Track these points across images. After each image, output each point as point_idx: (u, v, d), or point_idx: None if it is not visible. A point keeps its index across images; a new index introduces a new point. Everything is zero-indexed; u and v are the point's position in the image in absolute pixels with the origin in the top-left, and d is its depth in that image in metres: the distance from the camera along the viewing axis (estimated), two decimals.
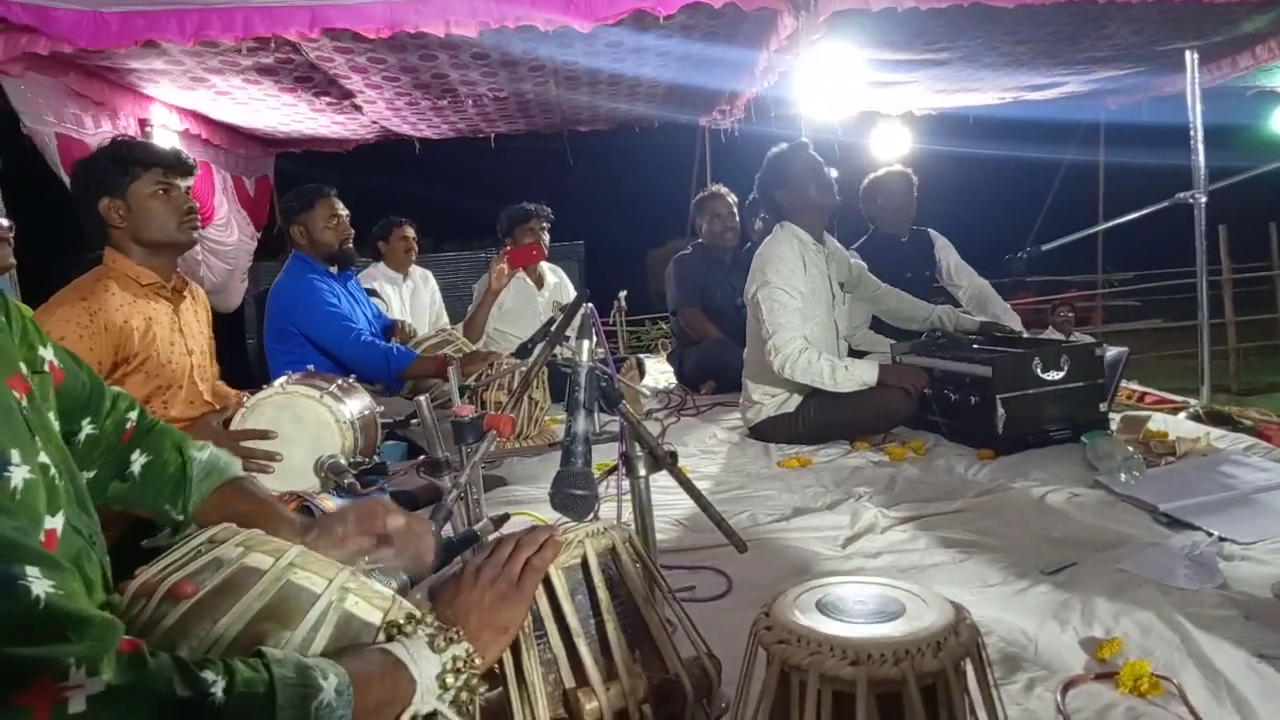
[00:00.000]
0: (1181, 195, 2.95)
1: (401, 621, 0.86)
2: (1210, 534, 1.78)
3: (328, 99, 4.56)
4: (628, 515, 1.41)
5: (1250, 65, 6.30)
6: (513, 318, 4.19)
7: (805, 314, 2.92)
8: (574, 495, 1.13)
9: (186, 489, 1.15)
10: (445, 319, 4.82)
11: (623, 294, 5.68)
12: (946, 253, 3.88)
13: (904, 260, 3.87)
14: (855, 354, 3.27)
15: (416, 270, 5.04)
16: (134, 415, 1.20)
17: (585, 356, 1.24)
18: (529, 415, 3.11)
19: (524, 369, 2.77)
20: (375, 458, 2.09)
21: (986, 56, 5.48)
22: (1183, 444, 2.40)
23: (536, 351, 3.14)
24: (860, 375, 2.82)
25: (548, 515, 2.05)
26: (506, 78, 5.33)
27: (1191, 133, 3.01)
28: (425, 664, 0.81)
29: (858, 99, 6.24)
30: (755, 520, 2.12)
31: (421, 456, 2.13)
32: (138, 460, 1.16)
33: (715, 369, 4.02)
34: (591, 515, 1.18)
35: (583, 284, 4.67)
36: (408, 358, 3.05)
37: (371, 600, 0.87)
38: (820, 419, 2.91)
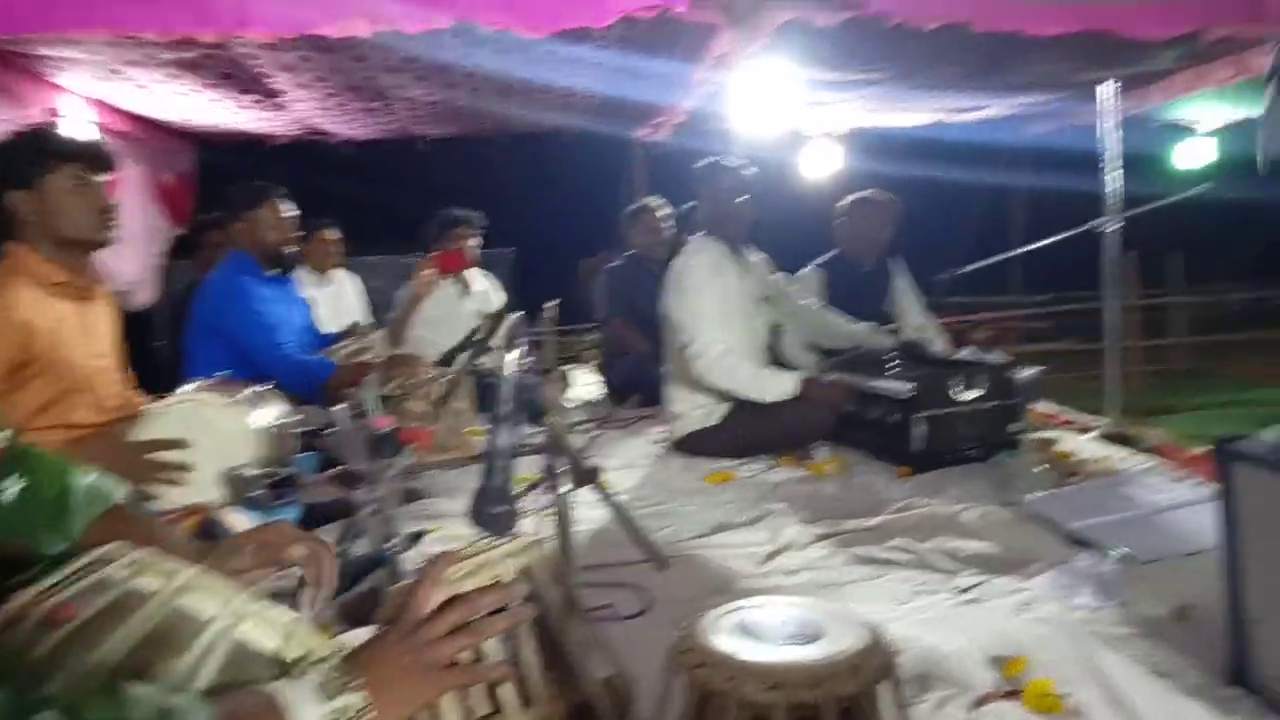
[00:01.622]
0: (1094, 223, 3.07)
1: (293, 658, 0.80)
2: (1113, 553, 1.85)
3: (253, 96, 4.43)
4: (549, 530, 1.38)
5: (1160, 99, 6.62)
6: (436, 325, 4.10)
7: (723, 323, 2.95)
8: (494, 512, 1.11)
9: (68, 516, 1.06)
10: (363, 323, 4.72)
11: (552, 304, 5.63)
12: (904, 292, 3.86)
13: (861, 289, 3.82)
14: (784, 367, 3.30)
15: (341, 274, 4.92)
16: (5, 436, 1.11)
17: (510, 370, 1.22)
18: (451, 426, 3.05)
19: (447, 378, 2.72)
20: (288, 469, 2.01)
21: (917, 78, 5.64)
22: (1089, 464, 2.49)
23: (461, 362, 3.10)
24: (780, 386, 2.85)
25: (467, 530, 2.02)
26: (440, 83, 5.27)
27: (1102, 163, 3.14)
28: (306, 710, 0.74)
29: (791, 116, 6.35)
30: (677, 535, 2.12)
31: (337, 468, 2.07)
32: (11, 486, 1.06)
33: (642, 381, 4.01)
34: (511, 531, 1.16)
35: (513, 292, 4.63)
36: (327, 370, 2.97)
37: (268, 628, 0.82)
38: (744, 433, 2.94)
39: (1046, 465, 2.46)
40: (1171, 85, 6.22)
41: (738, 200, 3.07)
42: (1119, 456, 2.66)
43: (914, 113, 6.98)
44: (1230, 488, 1.33)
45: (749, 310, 3.10)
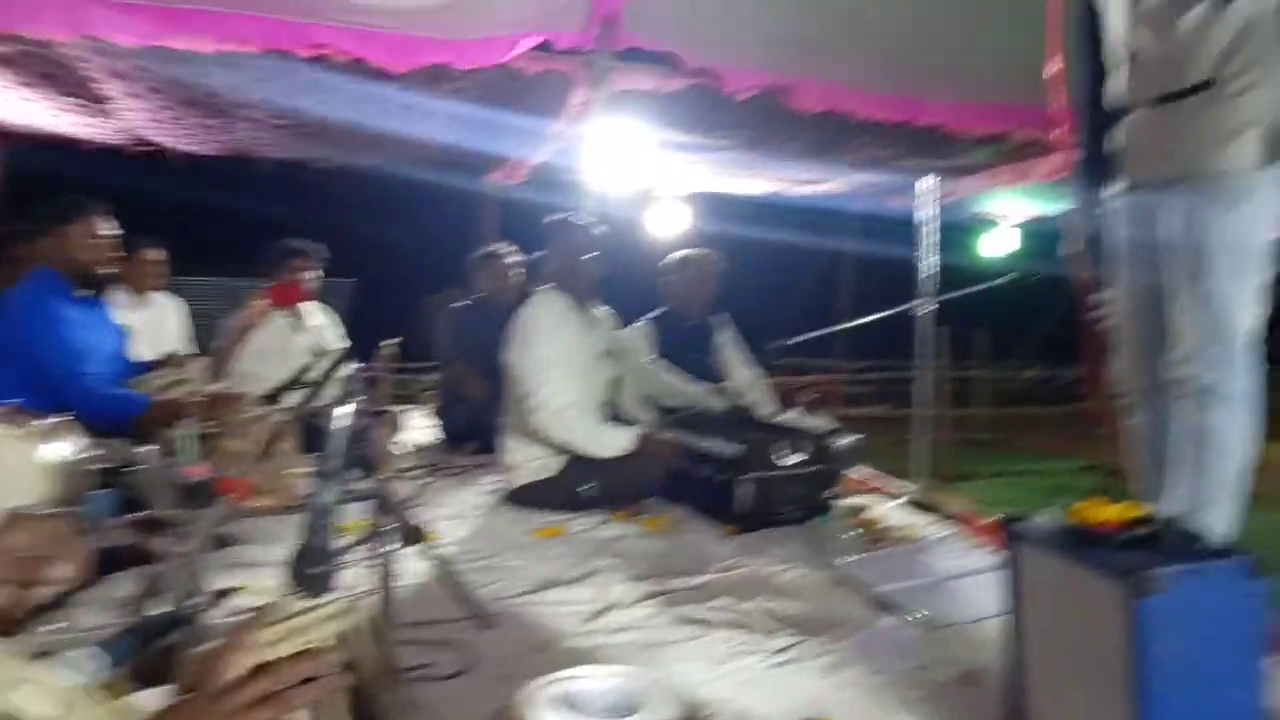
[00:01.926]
0: (909, 305, 3.34)
1: None
2: (913, 617, 1.98)
3: (76, 100, 4.13)
4: (371, 587, 1.34)
5: (973, 190, 7.28)
6: (266, 358, 3.90)
7: (564, 376, 2.98)
8: (312, 572, 1.06)
9: None
10: (183, 350, 4.42)
11: (390, 342, 5.47)
12: (728, 345, 4.04)
13: (688, 343, 3.98)
14: (624, 422, 3.36)
15: (162, 297, 4.61)
16: None
17: (341, 422, 1.18)
18: (273, 468, 2.89)
19: (273, 418, 2.59)
20: (79, 509, 1.85)
21: (759, 148, 5.97)
22: (896, 530, 2.67)
23: (290, 401, 2.96)
24: (617, 441, 2.90)
25: (281, 586, 1.92)
26: (288, 105, 5.09)
27: (921, 250, 3.42)
28: None
29: (642, 175, 6.55)
30: (503, 591, 2.09)
31: (140, 513, 1.92)
32: None
33: (479, 428, 3.95)
34: (330, 592, 1.12)
35: (351, 325, 4.46)
36: (137, 404, 2.75)
37: (45, 696, 0.76)
38: (577, 486, 2.95)
39: (858, 530, 2.61)
40: (984, 180, 6.87)
41: (586, 257, 3.13)
42: (923, 523, 2.86)
43: (757, 181, 7.37)
44: (1015, 562, 1.47)
45: (590, 365, 3.14)
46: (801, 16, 3.99)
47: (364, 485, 1.40)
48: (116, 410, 2.69)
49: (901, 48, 4.26)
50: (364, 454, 1.26)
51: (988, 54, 4.28)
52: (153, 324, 4.36)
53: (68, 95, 3.99)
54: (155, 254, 4.47)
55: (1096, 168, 2.25)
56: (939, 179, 3.65)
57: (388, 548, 1.27)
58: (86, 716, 0.76)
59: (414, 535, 1.26)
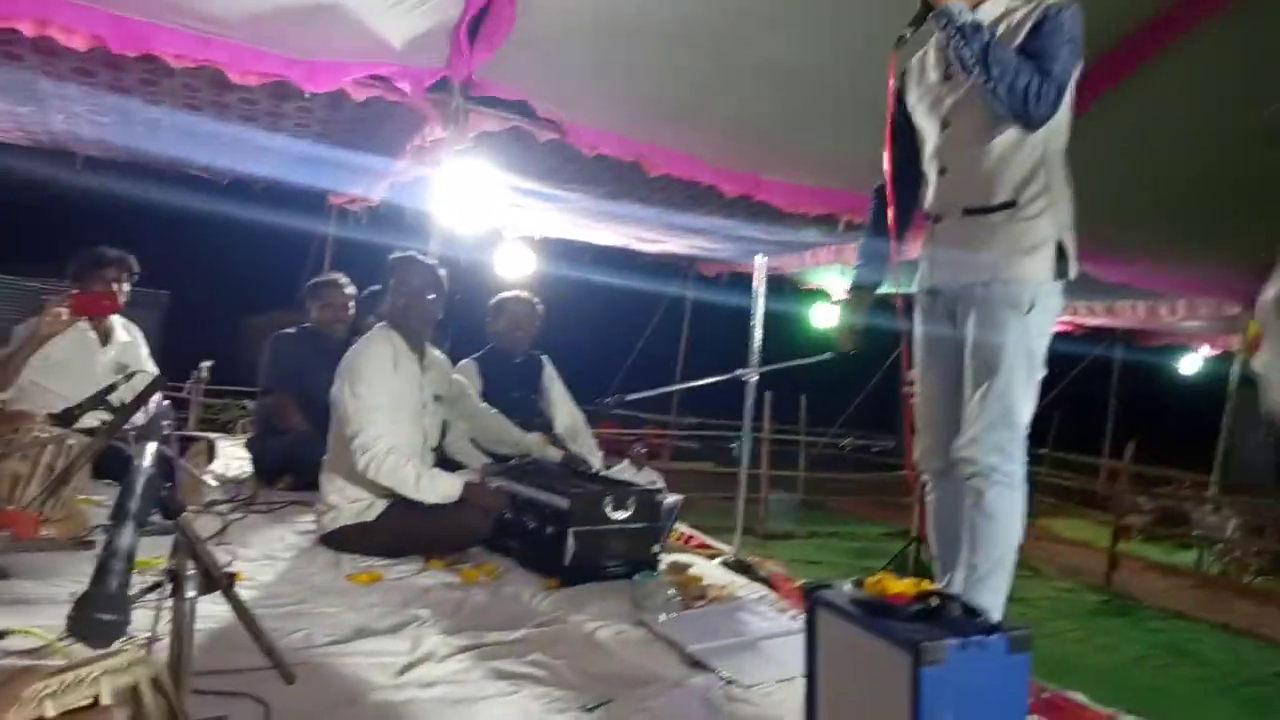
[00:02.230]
0: (738, 372, 3.50)
1: None
2: (721, 677, 2.05)
3: None
4: (163, 635, 1.25)
5: (804, 265, 7.75)
6: (61, 373, 3.57)
7: (392, 418, 2.91)
8: (101, 620, 0.99)
9: None
10: None
11: (206, 364, 5.15)
12: (553, 382, 4.13)
13: (514, 380, 4.05)
14: (452, 465, 3.31)
15: None
16: None
17: (147, 460, 1.12)
18: (57, 494, 2.64)
19: (70, 444, 2.38)
20: None
21: (609, 204, 6.14)
22: (712, 590, 2.75)
23: (86, 423, 2.73)
24: (444, 488, 2.85)
25: (60, 629, 1.76)
26: (114, 103, 4.79)
27: (752, 322, 3.61)
28: None
29: (492, 216, 6.55)
30: (311, 640, 2.00)
31: None
32: None
33: (298, 463, 3.77)
34: (119, 641, 1.04)
35: (164, 339, 4.16)
36: None
37: None
38: (398, 530, 2.87)
39: (678, 588, 2.68)
40: (814, 257, 7.34)
41: (426, 298, 3.08)
42: (739, 583, 2.97)
43: (605, 232, 7.54)
44: (814, 627, 1.56)
45: (420, 408, 3.08)
46: (655, 86, 4.18)
47: (163, 522, 1.31)
48: None
49: (743, 128, 4.53)
50: (168, 494, 1.18)
51: (825, 143, 4.63)
52: None
53: None
54: None
55: (876, 245, 2.52)
56: (767, 258, 3.89)
57: (187, 593, 1.20)
58: None
59: (219, 583, 1.19)
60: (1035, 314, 2.19)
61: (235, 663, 1.74)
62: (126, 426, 3.01)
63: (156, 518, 1.78)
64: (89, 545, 2.26)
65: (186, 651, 1.17)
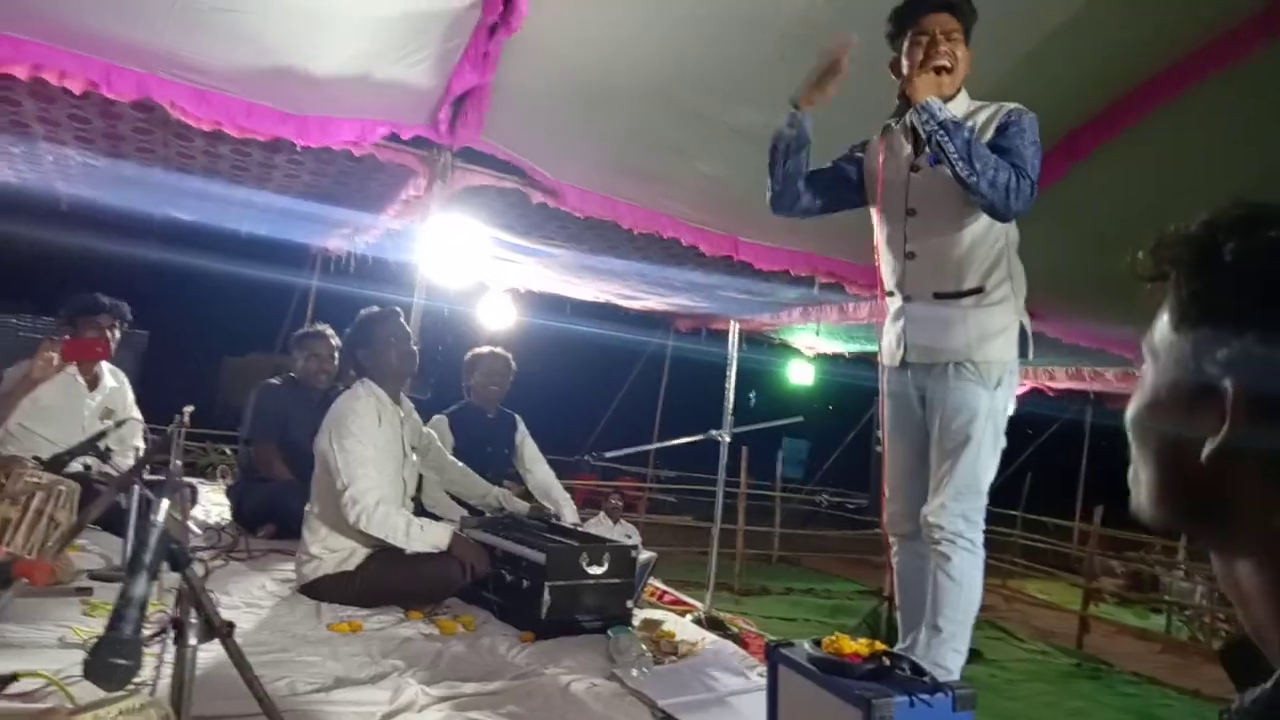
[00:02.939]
0: (711, 433, 3.62)
1: None
2: None
3: None
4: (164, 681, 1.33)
5: (780, 323, 7.92)
6: (49, 417, 3.64)
7: (379, 469, 2.99)
8: (115, 664, 1.07)
9: None
10: None
11: (188, 409, 5.18)
12: (524, 439, 4.23)
13: (487, 435, 4.16)
14: (427, 514, 3.39)
15: None
16: None
17: (162, 516, 1.21)
18: (44, 539, 2.70)
19: (60, 489, 2.44)
20: None
21: (590, 260, 6.29)
22: (684, 645, 2.82)
23: (73, 469, 2.79)
24: (432, 538, 2.92)
25: (64, 662, 1.82)
26: (105, 148, 4.89)
27: (726, 384, 3.73)
28: None
29: (475, 270, 6.69)
30: (293, 689, 2.06)
31: None
32: None
33: (279, 512, 3.82)
34: (130, 682, 1.12)
35: (143, 381, 4.21)
36: None
37: None
38: (378, 581, 2.93)
39: (650, 643, 2.75)
40: (790, 318, 7.51)
41: (401, 351, 3.18)
42: (710, 640, 3.03)
43: (587, 287, 7.69)
44: (775, 681, 1.65)
45: (400, 459, 3.17)
46: (636, 149, 4.35)
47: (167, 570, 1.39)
48: None
49: (722, 190, 4.71)
50: (179, 555, 1.27)
51: None
52: None
53: None
54: None
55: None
56: (745, 315, 4.04)
57: (189, 640, 1.27)
58: None
59: (219, 629, 1.27)
60: (1001, 390, 2.36)
61: (223, 709, 1.80)
62: (114, 473, 3.08)
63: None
64: (80, 591, 2.31)
65: (188, 696, 1.25)
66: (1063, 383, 8.81)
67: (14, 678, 1.19)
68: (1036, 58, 3.38)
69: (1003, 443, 2.41)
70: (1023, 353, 2.39)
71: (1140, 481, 0.67)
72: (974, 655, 2.34)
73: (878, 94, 2.51)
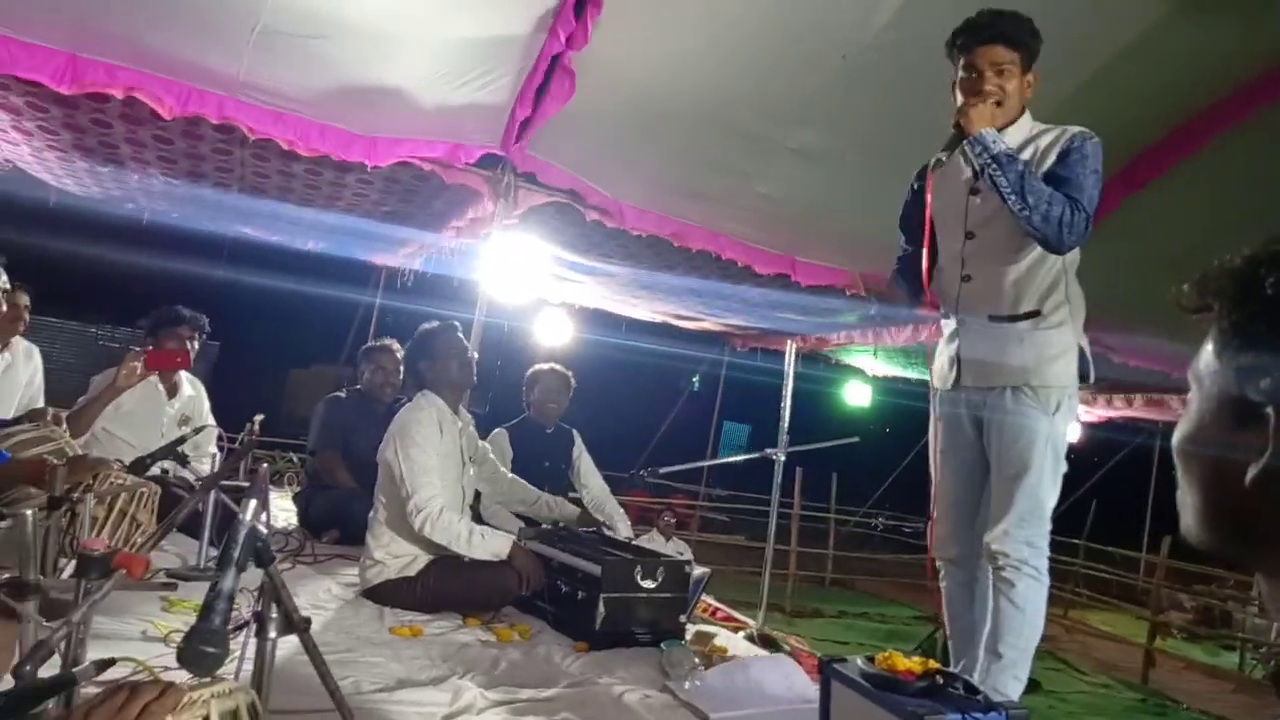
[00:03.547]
0: (768, 451, 3.63)
1: None
2: None
3: None
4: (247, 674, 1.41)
5: (838, 343, 7.88)
6: (131, 423, 3.82)
7: (441, 477, 3.08)
8: (205, 651, 1.15)
9: None
10: (41, 402, 4.24)
11: (258, 419, 5.39)
12: (581, 454, 4.30)
13: (545, 450, 4.24)
14: (483, 524, 3.47)
15: (20, 343, 4.42)
16: None
17: (250, 514, 1.29)
18: (126, 537, 2.84)
19: (142, 491, 2.58)
20: None
21: (648, 279, 6.36)
22: (738, 660, 2.84)
23: (155, 472, 2.93)
24: (493, 546, 3.00)
25: (147, 654, 1.92)
26: (187, 168, 5.12)
27: (783, 403, 3.75)
28: None
29: (534, 287, 6.80)
30: (358, 688, 2.14)
31: (3, 575, 1.89)
32: None
33: (343, 518, 3.96)
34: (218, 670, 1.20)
35: (214, 390, 4.38)
36: None
37: None
38: (438, 587, 3.02)
39: (703, 657, 2.77)
40: (849, 338, 7.47)
41: (461, 363, 3.29)
42: (763, 655, 3.04)
43: (644, 307, 7.76)
44: (828, 696, 1.67)
45: (460, 469, 3.26)
46: (695, 169, 4.40)
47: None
48: None
49: (780, 211, 4.73)
50: (264, 553, 1.35)
51: (858, 226, 4.80)
52: (9, 372, 4.19)
53: None
54: (20, 298, 4.31)
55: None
56: (800, 335, 4.05)
57: (269, 634, 1.35)
58: None
59: (297, 624, 1.35)
60: (1061, 414, 2.33)
61: (295, 704, 1.88)
62: (191, 477, 3.21)
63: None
64: (165, 585, 2.43)
65: (267, 683, 1.33)
66: (1129, 410, 8.58)
67: (112, 662, 1.28)
68: (1102, 79, 3.35)
69: (1064, 468, 2.38)
70: (1083, 376, 2.36)
71: (1187, 505, 0.70)
72: (1033, 685, 2.30)
73: (940, 115, 2.51)
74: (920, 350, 7.31)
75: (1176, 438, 0.70)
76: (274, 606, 1.36)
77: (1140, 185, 3.84)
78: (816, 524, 12.46)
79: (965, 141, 2.27)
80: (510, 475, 3.68)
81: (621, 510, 4.07)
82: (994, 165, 2.19)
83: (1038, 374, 2.33)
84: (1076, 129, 2.32)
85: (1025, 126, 2.38)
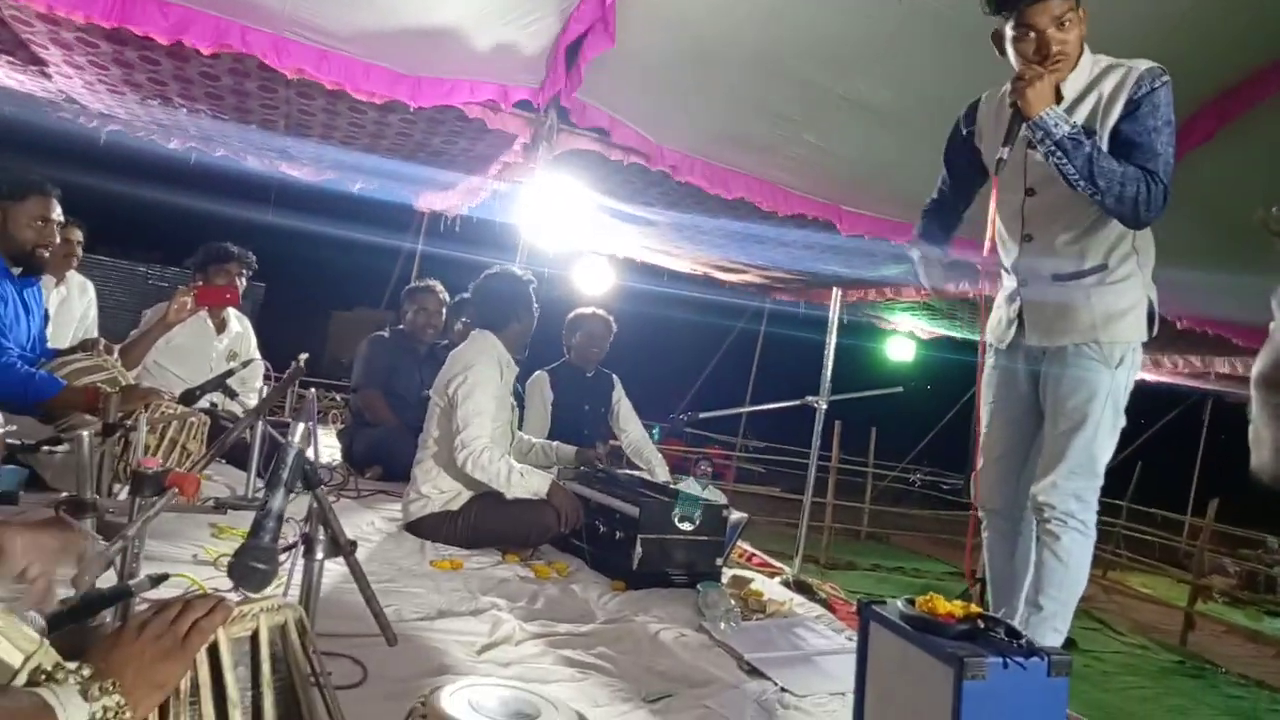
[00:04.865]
0: (809, 399, 3.60)
1: (49, 669, 0.87)
2: (776, 684, 2.16)
3: (9, 58, 4.10)
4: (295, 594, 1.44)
5: (879, 299, 7.77)
6: (180, 356, 3.90)
7: (494, 419, 3.11)
8: (254, 568, 1.17)
9: None
10: (95, 335, 4.35)
11: (303, 356, 5.47)
12: (621, 399, 4.32)
13: (585, 394, 4.26)
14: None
15: (75, 277, 4.52)
16: None
17: (298, 437, 1.31)
18: (178, 465, 2.92)
19: (191, 420, 2.64)
20: None
21: (688, 230, 6.28)
22: (772, 605, 2.86)
23: (204, 403, 2.99)
24: (533, 485, 3.03)
25: (197, 577, 1.99)
26: (234, 104, 5.14)
27: (826, 350, 3.71)
28: (75, 712, 0.84)
29: (574, 234, 6.77)
30: (400, 615, 2.19)
31: (63, 494, 1.95)
32: None
33: (385, 455, 4.03)
34: (265, 590, 1.23)
35: (256, 330, 4.45)
36: (53, 387, 2.75)
37: (16, 641, 0.87)
38: (479, 523, 3.06)
39: (739, 599, 2.79)
40: (887, 291, 7.34)
41: (527, 311, 3.29)
42: (797, 602, 3.06)
43: (685, 258, 7.69)
44: (865, 638, 1.67)
45: (510, 413, 3.28)
46: (742, 115, 4.31)
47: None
48: (32, 391, 2.69)
49: (826, 159, 4.63)
50: (311, 475, 1.37)
51: (907, 180, 4.68)
52: (65, 305, 4.29)
53: (3, 53, 3.98)
54: (74, 233, 4.39)
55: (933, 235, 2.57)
56: (841, 295, 3.98)
57: (317, 555, 1.38)
58: (50, 661, 0.87)
59: (343, 547, 1.37)
60: (1123, 369, 2.25)
61: (335, 628, 1.93)
62: (239, 410, 3.28)
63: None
64: (216, 508, 2.50)
65: (314, 603, 1.36)
66: (1178, 373, 8.38)
67: (166, 577, 1.32)
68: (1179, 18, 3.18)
69: (1122, 422, 2.29)
70: (1150, 331, 2.27)
71: (1264, 440, 0.66)
72: (1069, 644, 2.27)
73: (1002, 72, 2.37)
74: (966, 307, 7.17)
75: (1257, 370, 0.66)
76: (321, 529, 1.39)
77: (1208, 136, 3.67)
78: (853, 478, 12.42)
79: (1026, 126, 2.10)
80: (542, 422, 3.72)
81: (660, 456, 4.08)
82: (1058, 153, 2.06)
83: (1105, 330, 2.23)
84: (1144, 67, 2.14)
85: (1086, 68, 2.19)
